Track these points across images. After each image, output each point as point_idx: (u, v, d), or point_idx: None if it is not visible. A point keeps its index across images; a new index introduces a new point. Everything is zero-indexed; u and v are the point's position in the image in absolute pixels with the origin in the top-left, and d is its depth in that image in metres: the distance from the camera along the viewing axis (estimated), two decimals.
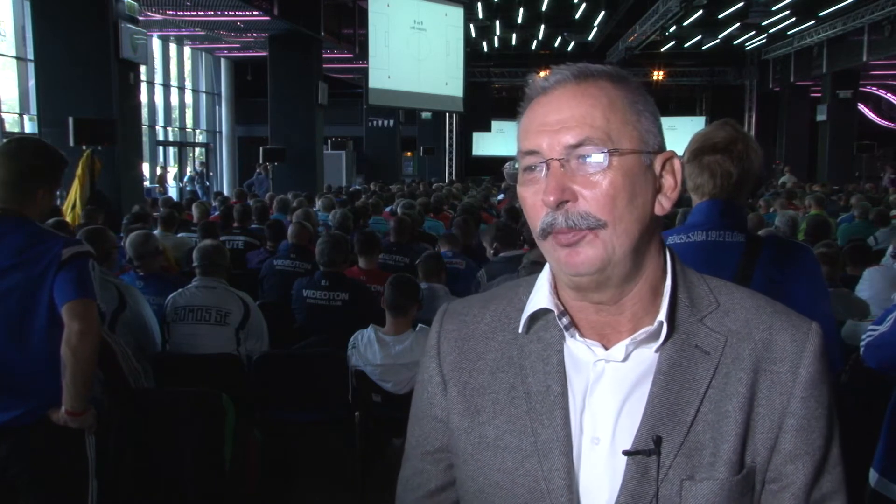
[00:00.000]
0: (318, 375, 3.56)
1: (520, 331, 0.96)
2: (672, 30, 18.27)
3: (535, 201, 0.89)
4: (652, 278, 0.92)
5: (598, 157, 0.86)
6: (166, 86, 19.75)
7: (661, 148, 0.92)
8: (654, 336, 0.90)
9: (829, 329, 1.83)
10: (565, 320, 0.93)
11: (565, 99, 0.88)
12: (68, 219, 6.79)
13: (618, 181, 0.86)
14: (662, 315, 0.90)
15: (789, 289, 1.75)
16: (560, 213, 0.86)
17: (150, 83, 18.30)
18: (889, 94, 27.65)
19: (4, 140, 3.14)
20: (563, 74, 0.90)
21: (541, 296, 0.95)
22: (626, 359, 0.91)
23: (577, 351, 0.93)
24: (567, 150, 0.86)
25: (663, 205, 0.91)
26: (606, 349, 0.91)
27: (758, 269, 1.76)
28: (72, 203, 7.54)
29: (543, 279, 0.97)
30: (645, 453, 0.87)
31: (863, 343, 2.12)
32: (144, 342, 3.45)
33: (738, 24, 19.50)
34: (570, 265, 0.87)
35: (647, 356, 0.91)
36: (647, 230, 0.89)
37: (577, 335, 0.92)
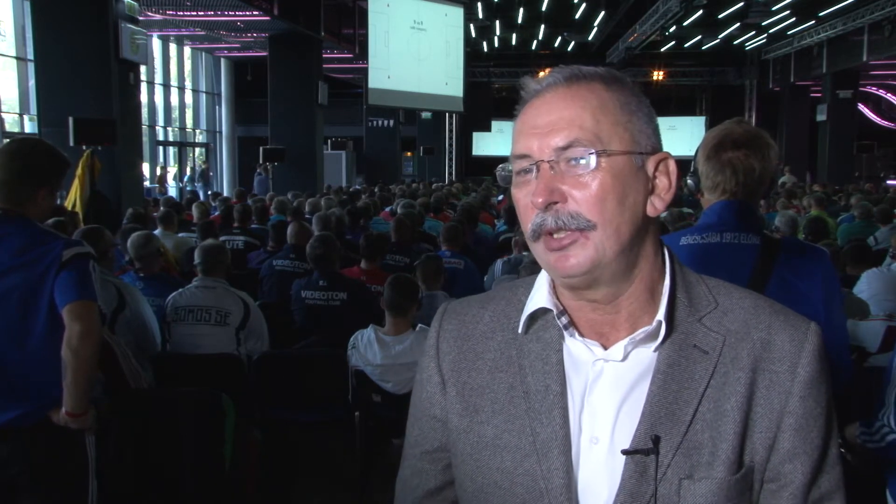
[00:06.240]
0: (318, 375, 3.56)
1: (519, 331, 0.96)
2: (672, 30, 18.23)
3: (526, 203, 0.89)
4: (648, 278, 0.92)
5: (586, 159, 0.86)
6: (166, 86, 19.75)
7: (656, 149, 0.92)
8: (652, 336, 0.90)
9: (842, 337, 1.81)
10: (564, 319, 0.93)
11: (555, 101, 0.89)
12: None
13: (607, 182, 0.86)
14: (661, 314, 0.90)
15: (806, 292, 1.71)
16: (549, 213, 0.87)
17: (150, 83, 18.31)
18: (889, 94, 27.64)
19: (6, 140, 3.14)
20: (554, 77, 0.91)
21: (540, 296, 0.95)
22: (625, 358, 0.91)
23: (577, 351, 0.94)
24: (556, 152, 0.87)
25: (656, 206, 0.91)
26: (605, 349, 0.92)
27: (774, 272, 1.72)
28: (72, 203, 7.54)
29: (542, 279, 0.97)
30: (643, 452, 0.87)
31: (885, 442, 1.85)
32: (144, 342, 3.45)
33: (738, 24, 19.48)
34: (560, 269, 0.88)
35: (646, 356, 0.91)
36: (639, 231, 0.89)
37: (576, 334, 0.93)
